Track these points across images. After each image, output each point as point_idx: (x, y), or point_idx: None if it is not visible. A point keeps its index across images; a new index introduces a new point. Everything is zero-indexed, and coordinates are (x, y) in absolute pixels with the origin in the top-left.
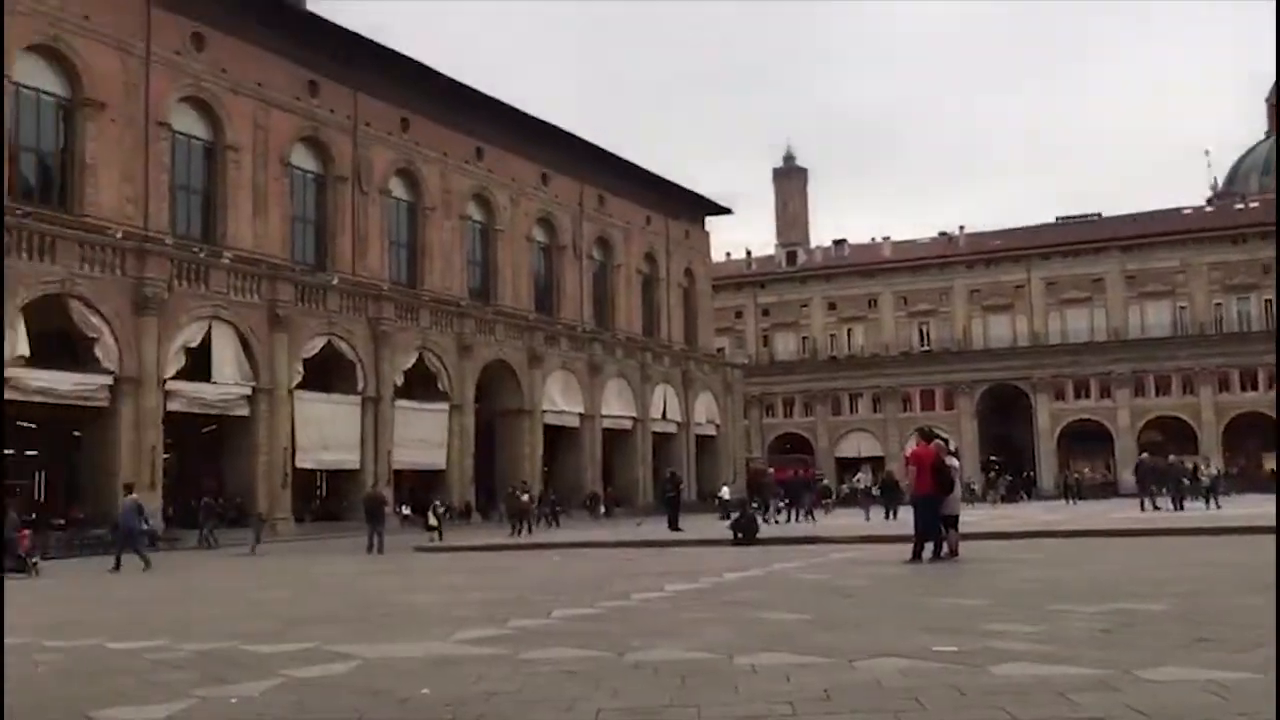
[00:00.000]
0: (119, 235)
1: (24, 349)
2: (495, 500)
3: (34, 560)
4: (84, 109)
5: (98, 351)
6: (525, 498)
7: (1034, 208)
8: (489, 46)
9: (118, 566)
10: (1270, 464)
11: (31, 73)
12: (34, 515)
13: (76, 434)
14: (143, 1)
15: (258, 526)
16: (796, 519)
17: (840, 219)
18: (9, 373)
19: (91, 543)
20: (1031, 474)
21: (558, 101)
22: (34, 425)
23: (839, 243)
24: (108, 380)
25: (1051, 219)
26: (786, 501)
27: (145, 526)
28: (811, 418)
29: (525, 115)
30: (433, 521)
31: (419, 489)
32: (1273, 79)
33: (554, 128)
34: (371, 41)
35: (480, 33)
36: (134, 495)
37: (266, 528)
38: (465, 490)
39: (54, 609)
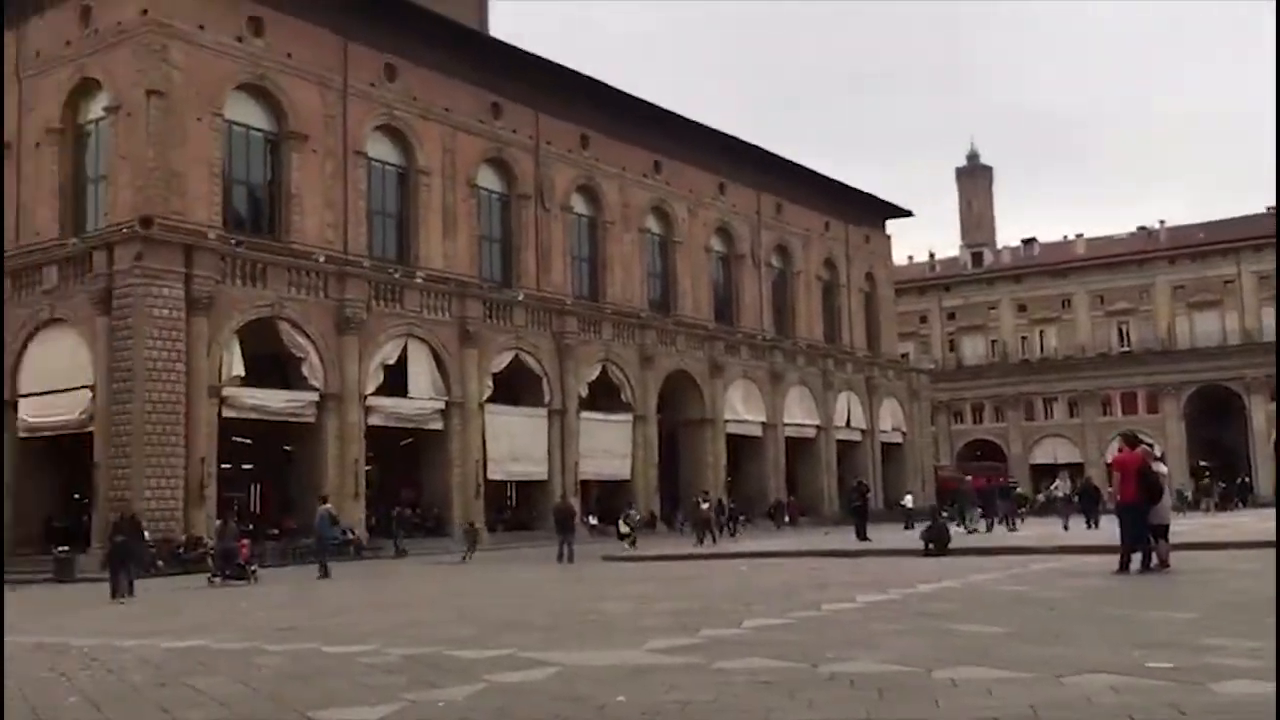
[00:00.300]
0: (322, 260)
1: (239, 369)
2: (679, 510)
3: (253, 568)
4: (289, 141)
5: (305, 370)
6: (705, 507)
7: (1238, 200)
8: (665, 61)
9: (325, 573)
10: None
11: (242, 110)
12: (251, 526)
13: (287, 448)
14: (339, 38)
15: (472, 537)
16: (992, 528)
17: (1027, 218)
18: (226, 391)
19: (303, 551)
20: (1247, 480)
21: (733, 111)
22: (249, 440)
23: (1028, 242)
24: (314, 397)
25: (1261, 209)
26: (982, 510)
27: (343, 536)
28: (1003, 423)
29: (701, 127)
30: (625, 529)
31: (605, 499)
32: None
33: (730, 138)
34: (551, 62)
35: (655, 46)
36: (328, 506)
37: (468, 537)
38: (650, 500)
39: (272, 614)
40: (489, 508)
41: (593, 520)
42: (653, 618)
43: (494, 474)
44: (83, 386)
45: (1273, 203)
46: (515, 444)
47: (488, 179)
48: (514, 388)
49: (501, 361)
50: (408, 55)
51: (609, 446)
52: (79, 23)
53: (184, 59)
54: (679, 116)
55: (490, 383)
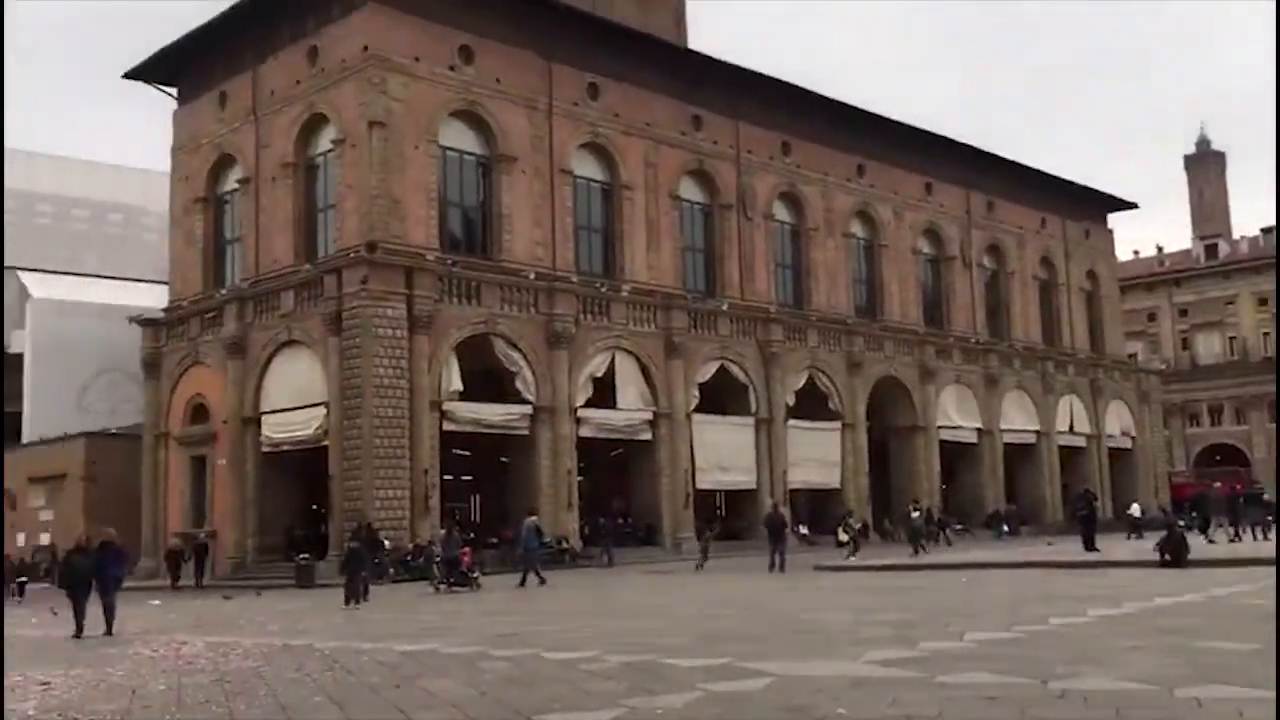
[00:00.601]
0: (532, 276)
1: (457, 384)
2: (890, 519)
3: (475, 576)
4: (499, 164)
5: (518, 384)
6: (915, 516)
7: None
8: (864, 61)
9: (541, 581)
10: None
11: (455, 136)
12: (472, 534)
13: (504, 460)
14: (544, 60)
15: (705, 545)
16: (1240, 537)
17: (1265, 206)
18: (447, 405)
19: (519, 560)
20: None
21: (938, 109)
22: (468, 452)
23: (1267, 230)
24: (528, 410)
25: None
26: (1229, 519)
27: (555, 545)
28: (1244, 425)
29: (906, 127)
30: (843, 537)
31: (814, 508)
32: None
33: (936, 136)
34: (751, 71)
35: (854, 47)
36: (533, 518)
37: (702, 545)
38: (861, 509)
39: (495, 621)
40: (698, 517)
41: (803, 530)
42: (871, 629)
43: (702, 483)
44: (318, 404)
45: None
46: (723, 453)
47: (689, 190)
48: (720, 397)
49: (707, 371)
50: (609, 73)
51: (818, 455)
52: (307, 62)
53: (402, 90)
54: (882, 117)
55: (697, 393)
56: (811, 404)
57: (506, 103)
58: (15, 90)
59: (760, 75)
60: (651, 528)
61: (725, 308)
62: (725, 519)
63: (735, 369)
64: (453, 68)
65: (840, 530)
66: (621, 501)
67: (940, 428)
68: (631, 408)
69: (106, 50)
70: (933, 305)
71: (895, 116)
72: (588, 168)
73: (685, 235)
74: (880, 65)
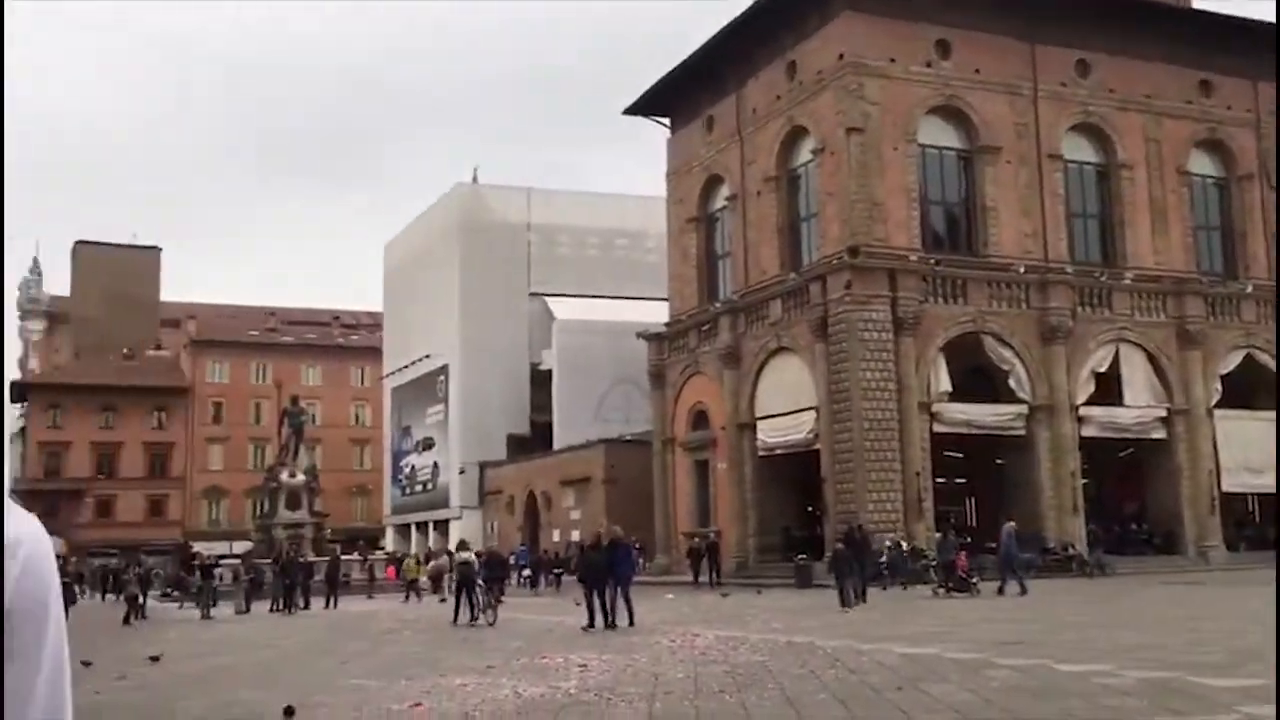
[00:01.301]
0: (1022, 270)
1: (946, 385)
2: None
3: (974, 580)
4: (981, 156)
5: (1012, 382)
6: None
7: None
8: None
9: (1022, 590)
10: None
11: (933, 133)
12: (968, 538)
13: (999, 461)
14: (1025, 44)
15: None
16: None
17: None
18: (936, 407)
19: (1001, 566)
20: None
21: None
22: (960, 454)
23: None
24: (1023, 409)
25: None
26: None
27: (1061, 551)
28: None
29: None
30: None
31: None
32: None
33: None
34: (1268, 23)
35: None
36: (1012, 524)
37: (1198, 555)
38: None
39: (996, 627)
40: (1226, 523)
41: None
42: None
43: (1229, 486)
44: (808, 408)
45: None
46: (1251, 453)
47: (1200, 164)
48: (1246, 390)
49: (1230, 362)
50: (1100, 47)
51: None
52: (786, 78)
53: (878, 93)
54: None
55: (1219, 386)
56: None
57: (987, 92)
58: (536, 142)
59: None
60: (1171, 534)
61: (1250, 290)
62: (1260, 524)
63: (1264, 357)
64: (929, 64)
65: None
66: (1134, 505)
67: None
68: (1141, 404)
69: (603, 94)
70: None
71: None
72: (1079, 150)
73: (1196, 214)
74: None
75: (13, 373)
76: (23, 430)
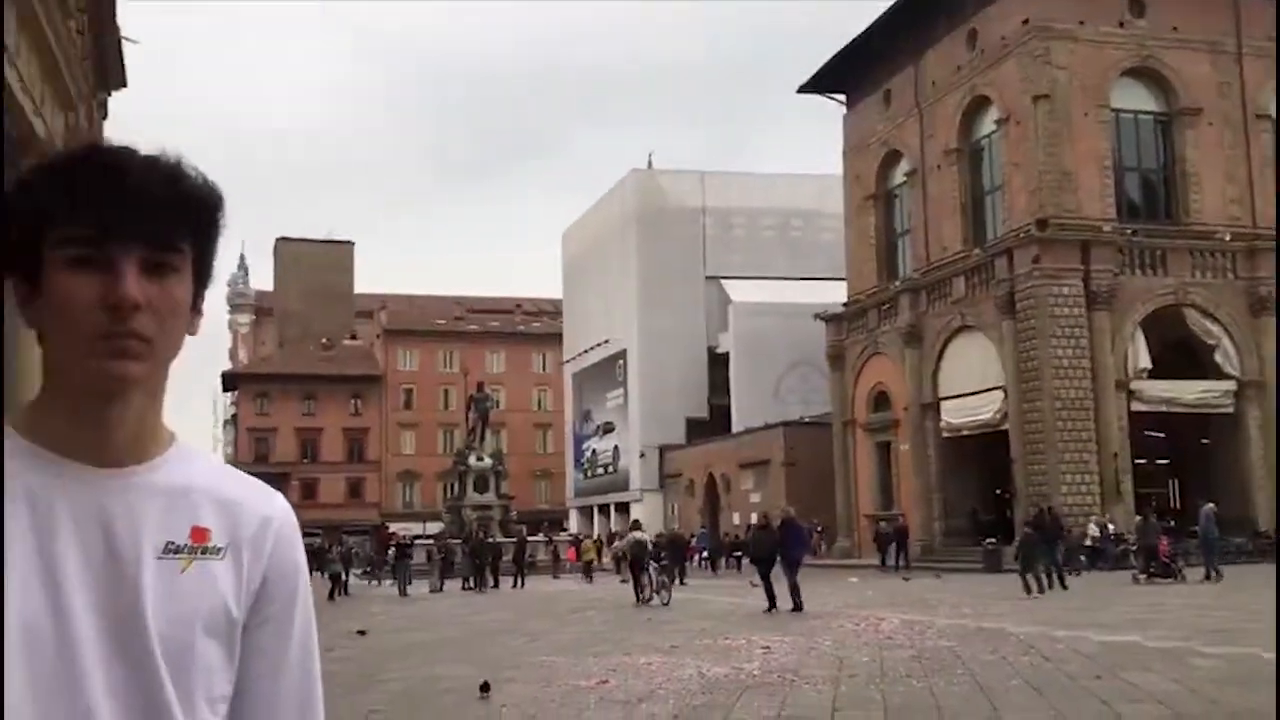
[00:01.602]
0: (1228, 238)
1: (1145, 361)
2: None
3: (1179, 566)
4: (1181, 119)
5: (1218, 357)
6: None
7: None
8: None
9: (1209, 575)
10: None
11: (1128, 97)
12: (1172, 522)
13: (1204, 441)
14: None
15: None
16: None
17: None
18: (1134, 384)
19: (1228, 550)
20: None
21: None
22: (1162, 434)
23: None
24: (1231, 386)
25: None
26: None
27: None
28: None
29: None
30: None
31: None
32: None
33: None
34: None
35: None
36: (1211, 505)
37: None
38: None
39: (1201, 614)
40: None
41: None
42: None
43: None
44: (995, 388)
45: None
46: None
47: None
48: None
49: None
50: None
51: None
52: (966, 47)
53: (1066, 58)
54: None
55: None
56: None
57: (1186, 51)
58: (710, 125)
59: None
60: None
61: None
62: None
63: None
64: (1122, 23)
65: None
66: None
67: None
68: None
69: (777, 73)
70: None
71: None
72: None
73: None
74: None
75: (222, 363)
76: (234, 417)
